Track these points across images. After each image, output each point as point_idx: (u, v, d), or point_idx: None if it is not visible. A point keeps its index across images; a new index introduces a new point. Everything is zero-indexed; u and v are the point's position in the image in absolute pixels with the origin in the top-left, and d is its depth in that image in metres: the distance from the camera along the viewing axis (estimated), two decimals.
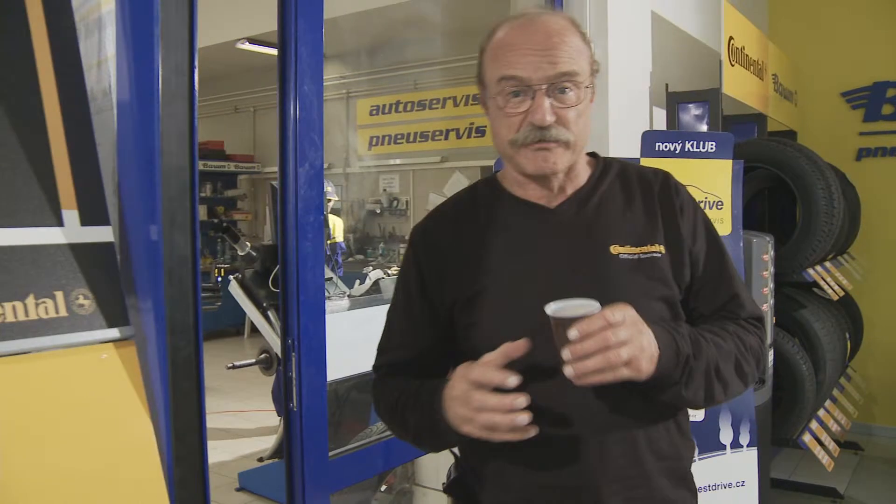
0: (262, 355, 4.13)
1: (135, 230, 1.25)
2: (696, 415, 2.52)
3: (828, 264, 3.83)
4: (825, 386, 3.68)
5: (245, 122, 9.83)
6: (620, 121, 2.97)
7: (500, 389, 1.06)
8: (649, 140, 2.61)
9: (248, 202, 9.89)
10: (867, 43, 4.96)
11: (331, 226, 6.68)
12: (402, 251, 6.75)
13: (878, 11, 4.93)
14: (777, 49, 4.33)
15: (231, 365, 4.25)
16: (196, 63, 1.25)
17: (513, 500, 1.21)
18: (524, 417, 1.03)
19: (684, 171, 2.57)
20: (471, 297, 1.22)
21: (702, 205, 2.61)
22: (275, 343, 3.78)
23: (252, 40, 7.12)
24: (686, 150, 2.63)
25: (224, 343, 7.71)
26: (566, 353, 1.01)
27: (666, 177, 1.29)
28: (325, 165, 1.97)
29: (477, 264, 1.23)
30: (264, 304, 3.82)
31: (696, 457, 2.49)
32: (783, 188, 3.60)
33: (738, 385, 1.21)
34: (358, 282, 4.00)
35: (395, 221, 8.31)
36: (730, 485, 2.58)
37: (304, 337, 1.84)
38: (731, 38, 3.35)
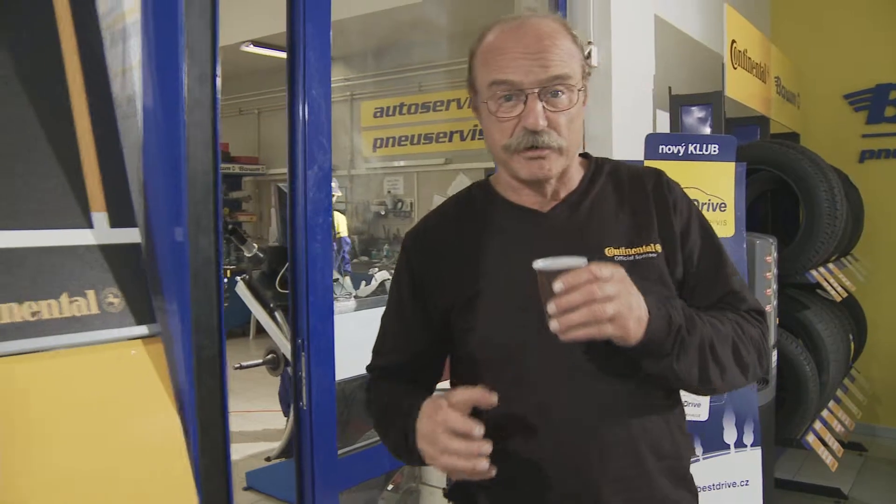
0: (269, 356, 4.16)
1: (162, 233, 1.29)
2: (700, 414, 2.54)
3: (831, 266, 3.85)
4: (829, 387, 3.69)
5: (249, 124, 9.87)
6: (624, 124, 2.99)
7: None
8: (653, 143, 2.63)
9: (253, 204, 9.92)
10: (870, 45, 4.97)
11: (335, 221, 6.70)
12: None
13: (880, 14, 4.94)
14: (779, 52, 4.34)
15: (238, 365, 4.28)
16: (218, 71, 1.29)
17: (511, 499, 1.20)
18: (485, 464, 1.01)
19: (687, 174, 2.60)
20: (466, 302, 1.22)
21: (705, 207, 2.64)
22: (282, 344, 3.80)
23: (256, 43, 7.16)
24: (689, 152, 2.64)
25: (229, 344, 7.69)
26: (551, 307, 1.00)
27: (658, 174, 1.28)
28: None
29: (471, 269, 1.23)
30: (271, 305, 3.85)
31: (700, 456, 2.52)
32: (786, 190, 3.62)
33: (737, 373, 1.18)
34: (364, 283, 4.02)
35: (400, 223, 8.33)
36: (734, 484, 2.59)
37: (314, 337, 1.86)
38: (733, 41, 3.36)
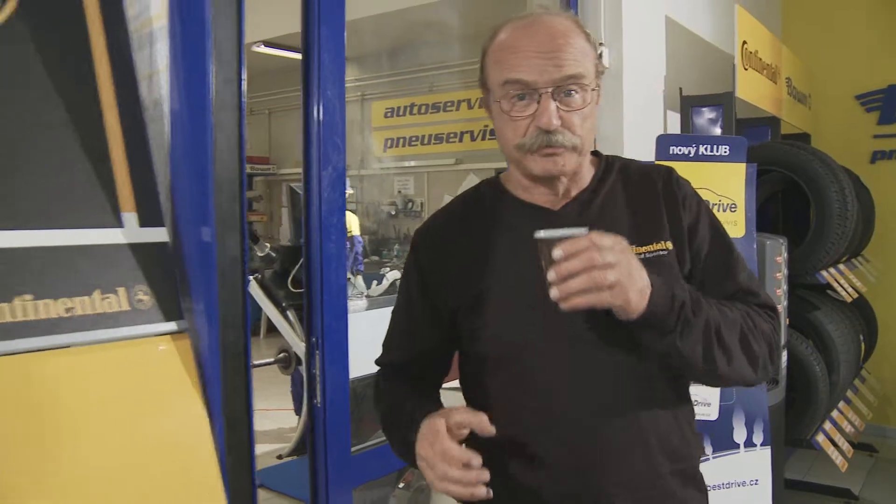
0: (281, 354, 4.20)
1: (189, 232, 1.32)
2: (710, 414, 2.55)
3: (841, 266, 3.85)
4: (839, 387, 3.69)
5: (260, 124, 9.91)
6: (635, 124, 3.00)
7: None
8: (664, 144, 2.65)
9: (264, 204, 9.96)
10: (882, 45, 4.96)
11: (347, 221, 6.71)
12: None
13: (892, 14, 4.93)
14: (790, 53, 4.34)
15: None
16: (244, 75, 1.32)
17: (523, 501, 1.19)
18: (483, 491, 1.02)
19: (698, 175, 2.61)
20: (474, 300, 1.21)
21: (715, 208, 2.66)
22: (294, 342, 3.83)
23: (268, 43, 7.20)
24: (700, 153, 2.66)
25: None
26: (551, 275, 0.99)
27: (668, 172, 1.26)
28: None
29: (480, 267, 1.22)
30: (283, 304, 3.89)
31: (709, 455, 2.53)
32: (797, 191, 3.62)
33: (744, 362, 1.14)
34: (375, 282, 4.05)
35: (411, 223, 8.35)
36: (743, 483, 2.60)
37: (328, 335, 1.88)
38: (744, 42, 3.37)
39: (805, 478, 4.12)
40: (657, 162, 2.58)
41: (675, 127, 3.44)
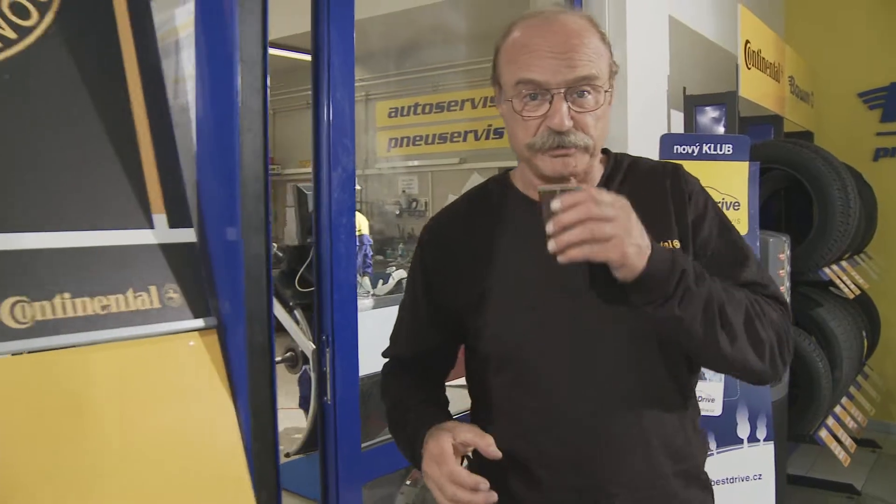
0: (288, 353, 4.22)
1: (216, 232, 1.36)
2: (714, 409, 2.58)
3: (844, 263, 3.87)
4: (841, 383, 3.71)
5: None
6: (639, 123, 3.02)
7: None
8: (668, 143, 2.67)
9: None
10: (884, 43, 4.98)
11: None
12: None
13: (894, 12, 4.95)
14: (793, 51, 4.36)
15: None
16: (268, 82, 1.36)
17: (524, 500, 1.19)
18: None
19: (702, 173, 2.60)
20: (477, 299, 1.21)
21: (719, 206, 2.67)
22: (302, 342, 3.85)
23: (272, 44, 7.22)
24: (703, 152, 2.68)
25: None
26: (549, 226, 0.98)
27: (676, 169, 1.24)
28: None
29: (483, 266, 1.21)
30: (291, 304, 3.91)
31: (713, 450, 2.56)
32: (800, 188, 3.64)
33: (747, 346, 1.10)
34: (381, 281, 4.07)
35: (415, 222, 8.38)
36: (747, 478, 2.63)
37: (338, 333, 1.90)
38: (747, 41, 3.39)
39: (808, 473, 4.13)
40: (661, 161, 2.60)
41: (678, 126, 3.46)
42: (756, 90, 3.54)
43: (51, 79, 1.20)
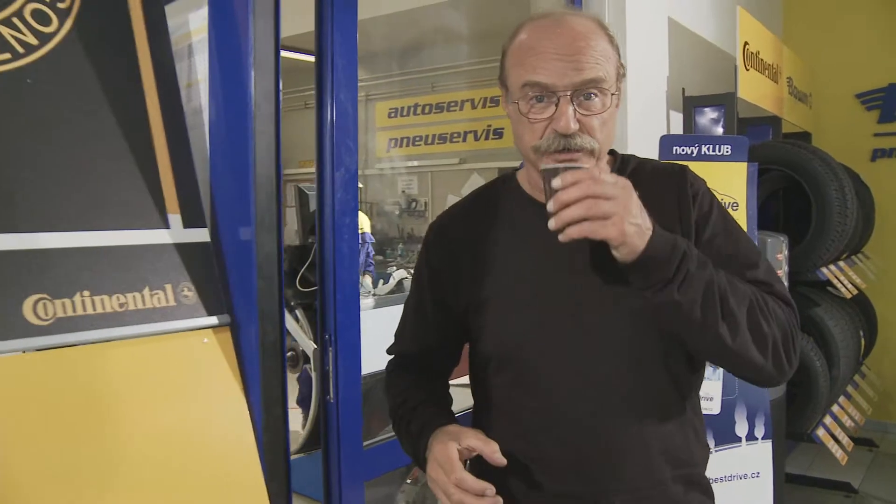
0: (289, 353, 4.23)
1: (230, 232, 1.39)
2: (712, 408, 2.60)
3: (841, 263, 3.89)
4: (839, 382, 3.73)
5: None
6: (638, 124, 3.04)
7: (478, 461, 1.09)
8: (667, 144, 2.70)
9: None
10: (882, 44, 5.00)
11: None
12: None
13: (892, 13, 4.98)
14: (792, 53, 4.38)
15: None
16: (280, 86, 1.38)
17: (524, 499, 1.18)
18: None
19: (701, 174, 2.64)
20: (479, 299, 1.21)
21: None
22: (303, 341, 3.86)
23: None
24: (702, 153, 2.70)
25: None
26: (550, 204, 0.99)
27: (682, 171, 1.22)
28: None
29: (486, 266, 1.21)
30: (292, 304, 3.92)
31: (712, 449, 2.57)
32: (798, 189, 3.66)
33: (749, 340, 1.07)
34: (382, 281, 4.10)
35: (414, 222, 8.40)
36: (745, 476, 2.64)
37: (341, 332, 1.92)
38: (746, 43, 3.41)
39: (806, 472, 4.16)
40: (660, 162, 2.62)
41: (677, 127, 3.48)
42: (754, 91, 3.56)
43: (71, 83, 1.23)
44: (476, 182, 7.09)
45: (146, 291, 1.22)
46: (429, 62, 7.77)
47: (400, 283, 3.93)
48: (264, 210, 1.39)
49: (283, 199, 1.45)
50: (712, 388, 2.61)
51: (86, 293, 1.16)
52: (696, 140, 2.74)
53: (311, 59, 1.76)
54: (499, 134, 7.52)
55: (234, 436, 1.30)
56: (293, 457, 4.19)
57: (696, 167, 2.72)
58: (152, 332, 1.22)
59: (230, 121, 1.40)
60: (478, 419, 1.29)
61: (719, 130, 3.44)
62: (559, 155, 1.09)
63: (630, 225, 0.98)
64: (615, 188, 0.98)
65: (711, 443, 2.58)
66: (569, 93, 1.07)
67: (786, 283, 3.10)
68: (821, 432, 3.50)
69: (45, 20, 1.20)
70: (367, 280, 5.36)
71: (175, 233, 1.28)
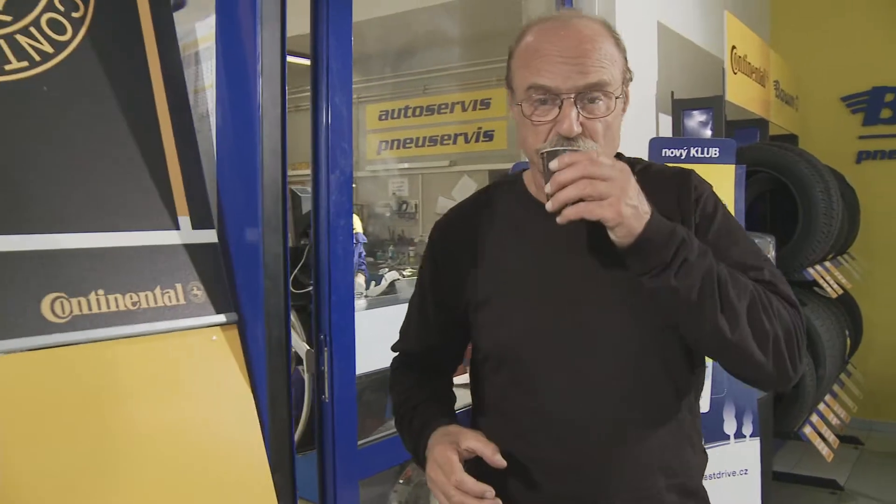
0: None
1: (237, 233, 1.43)
2: (701, 406, 2.62)
3: (827, 264, 3.93)
4: (825, 381, 3.76)
5: None
6: (628, 127, 3.05)
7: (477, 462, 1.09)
8: (656, 146, 2.72)
9: None
10: (866, 48, 5.06)
11: None
12: (412, 254, 6.84)
13: (877, 18, 5.04)
14: (778, 56, 4.42)
15: None
16: (286, 94, 1.41)
17: (520, 498, 1.17)
18: None
19: None
20: (481, 297, 1.21)
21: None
22: (295, 342, 3.86)
23: None
24: (691, 155, 2.71)
25: None
26: (548, 186, 0.99)
27: (687, 175, 1.20)
28: None
29: (489, 266, 1.21)
30: None
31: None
32: (785, 191, 3.70)
33: (749, 335, 1.03)
34: (374, 283, 4.10)
35: (405, 224, 8.39)
36: (733, 473, 2.67)
37: (336, 332, 1.94)
38: (733, 47, 3.43)
39: (793, 470, 4.20)
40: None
41: (666, 130, 3.51)
42: (742, 94, 3.58)
43: (84, 89, 1.26)
44: (466, 184, 7.11)
45: (157, 290, 1.26)
46: (420, 65, 7.78)
47: (392, 284, 3.94)
48: (271, 212, 1.42)
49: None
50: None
51: (100, 292, 1.19)
52: (684, 143, 2.77)
53: (303, 61, 1.78)
54: (489, 136, 7.54)
55: (241, 430, 1.33)
56: None
57: None
58: (163, 330, 1.26)
59: (238, 126, 1.43)
60: (476, 418, 1.29)
61: (707, 133, 3.47)
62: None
63: (627, 206, 0.97)
64: (612, 170, 0.98)
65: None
66: (572, 96, 1.06)
67: None
68: (808, 430, 3.54)
69: (60, 29, 1.24)
70: (359, 279, 5.36)
71: (184, 234, 1.32)
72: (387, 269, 4.63)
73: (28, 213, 1.16)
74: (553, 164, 0.99)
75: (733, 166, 2.77)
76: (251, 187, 1.41)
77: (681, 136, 3.49)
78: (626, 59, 1.14)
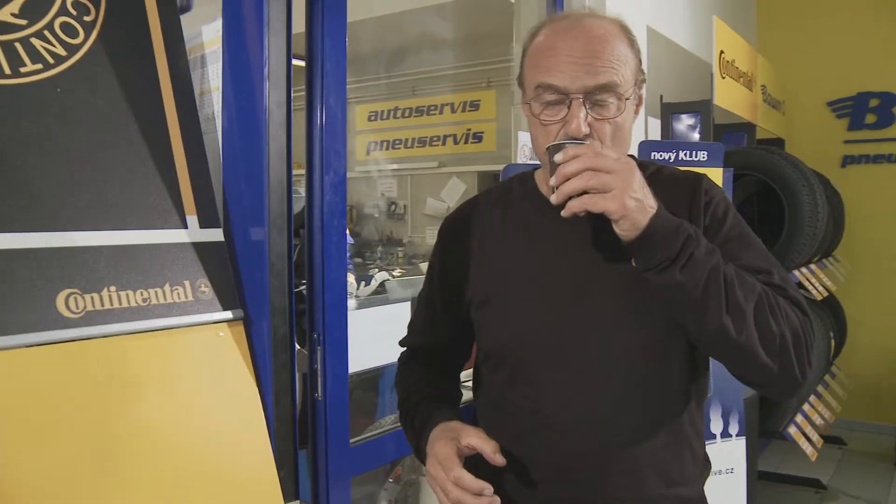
0: None
1: (244, 232, 1.46)
2: None
3: (813, 266, 3.97)
4: (810, 382, 3.82)
5: None
6: None
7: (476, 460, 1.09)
8: (645, 150, 2.75)
9: None
10: (852, 54, 5.11)
11: None
12: (401, 254, 6.85)
13: (862, 25, 5.09)
14: (766, 61, 4.46)
15: None
16: (291, 97, 1.44)
17: (516, 497, 1.16)
18: None
19: None
20: (484, 295, 1.20)
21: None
22: None
23: None
24: (680, 158, 2.73)
25: None
26: (552, 179, 0.98)
27: (698, 179, 1.18)
28: None
29: (495, 263, 1.20)
30: None
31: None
32: (771, 194, 3.73)
33: (754, 336, 1.00)
34: (364, 283, 4.11)
35: (393, 225, 8.40)
36: (720, 472, 2.70)
37: (329, 331, 1.96)
38: (721, 51, 3.46)
39: (778, 470, 4.25)
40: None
41: (655, 133, 3.53)
42: (730, 98, 3.61)
43: (96, 91, 1.29)
44: (455, 185, 7.12)
45: (167, 287, 1.29)
46: (410, 66, 7.79)
47: (382, 284, 3.95)
48: (276, 211, 1.45)
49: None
50: None
51: (112, 288, 1.22)
52: (673, 146, 2.79)
53: (297, 62, 1.81)
54: (478, 138, 7.56)
55: (247, 423, 1.36)
56: None
57: None
58: (172, 326, 1.29)
59: (244, 128, 1.46)
60: (477, 416, 1.30)
61: (696, 136, 3.50)
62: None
63: (631, 199, 0.96)
64: (617, 163, 0.97)
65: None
66: (581, 96, 1.05)
67: None
68: (792, 430, 3.58)
69: (72, 33, 1.27)
70: (350, 279, 5.36)
71: (192, 232, 1.35)
72: (376, 270, 4.64)
73: (44, 212, 1.18)
74: (558, 157, 0.99)
75: (721, 169, 2.80)
76: (258, 188, 1.43)
77: (670, 139, 3.51)
78: (640, 60, 1.13)
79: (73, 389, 1.16)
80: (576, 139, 1.05)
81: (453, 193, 6.54)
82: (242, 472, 1.32)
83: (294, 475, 1.54)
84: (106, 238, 1.24)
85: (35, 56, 1.23)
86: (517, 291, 1.18)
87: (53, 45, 1.25)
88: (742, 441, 2.76)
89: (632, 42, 1.11)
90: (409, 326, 1.41)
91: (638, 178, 0.99)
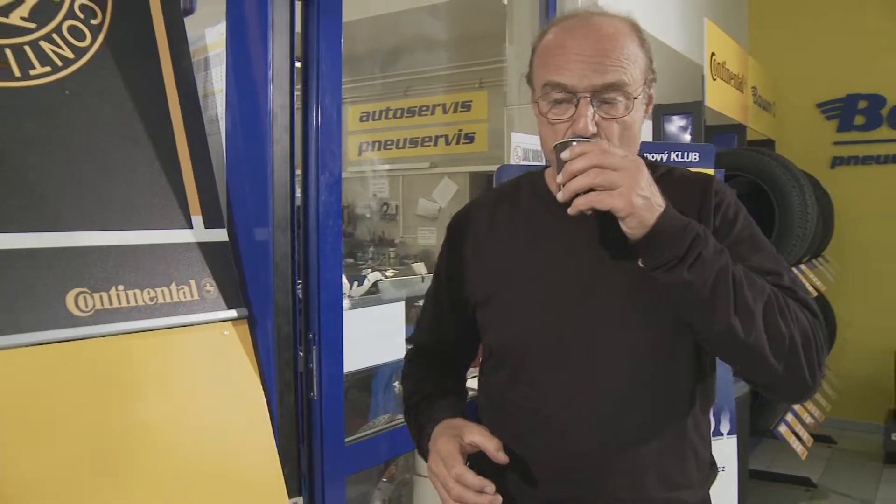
0: None
1: (248, 232, 1.48)
2: None
3: (803, 266, 4.00)
4: None
5: None
6: None
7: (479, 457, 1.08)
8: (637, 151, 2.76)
9: None
10: (841, 57, 5.15)
11: None
12: (392, 254, 6.85)
13: (852, 28, 5.13)
14: (756, 63, 4.49)
15: None
16: (295, 100, 1.45)
17: (515, 497, 1.16)
18: None
19: None
20: (490, 294, 1.20)
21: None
22: None
23: None
24: (671, 160, 2.74)
25: None
26: (559, 176, 0.98)
27: (708, 181, 1.16)
28: None
29: (501, 262, 1.20)
30: None
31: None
32: (762, 195, 3.76)
33: (763, 338, 0.99)
34: (356, 283, 4.11)
35: (385, 226, 8.40)
36: None
37: (324, 331, 1.96)
38: (713, 53, 3.49)
39: (769, 468, 4.28)
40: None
41: (647, 134, 3.53)
42: (721, 100, 3.63)
43: (103, 93, 1.31)
44: (447, 186, 7.13)
45: (173, 286, 1.31)
46: (402, 67, 7.79)
47: (375, 285, 3.95)
48: (280, 212, 1.48)
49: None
50: None
51: (120, 287, 1.24)
52: (665, 147, 2.80)
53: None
54: (470, 138, 7.56)
55: (251, 420, 1.38)
56: None
57: None
58: (178, 324, 1.31)
59: (248, 130, 1.48)
60: (480, 414, 1.29)
61: (687, 138, 3.51)
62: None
63: (638, 196, 0.95)
64: (623, 160, 0.96)
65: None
66: (588, 95, 1.04)
67: None
68: (782, 429, 3.60)
69: (80, 36, 1.28)
70: (343, 280, 5.37)
71: (198, 232, 1.37)
72: (369, 270, 4.64)
73: (52, 212, 1.20)
74: (564, 154, 0.98)
75: (712, 171, 2.81)
76: (262, 189, 1.45)
77: (661, 140, 3.53)
78: (650, 59, 1.11)
79: (82, 387, 1.18)
80: (583, 138, 1.04)
81: (445, 194, 6.54)
82: (247, 468, 1.34)
83: (297, 472, 1.56)
84: (113, 238, 1.26)
85: (44, 59, 1.25)
86: (520, 290, 1.17)
87: (61, 48, 1.26)
88: (733, 439, 2.78)
89: (642, 41, 1.11)
90: (417, 324, 1.41)
91: (645, 176, 0.98)
